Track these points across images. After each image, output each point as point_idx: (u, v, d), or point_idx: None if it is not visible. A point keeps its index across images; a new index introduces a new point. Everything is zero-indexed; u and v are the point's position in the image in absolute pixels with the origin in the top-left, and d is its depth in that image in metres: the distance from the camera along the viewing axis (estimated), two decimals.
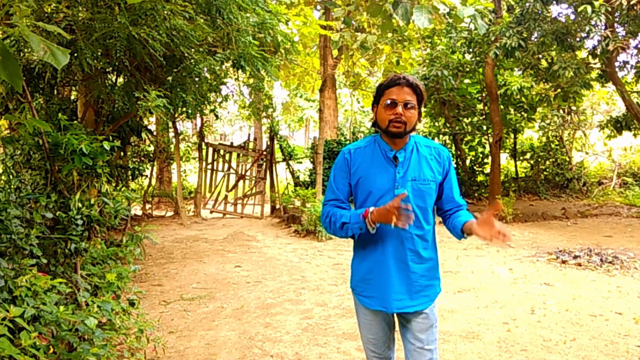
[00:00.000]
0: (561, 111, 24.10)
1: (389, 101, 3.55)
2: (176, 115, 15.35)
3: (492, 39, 16.81)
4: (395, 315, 3.82)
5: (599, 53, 15.64)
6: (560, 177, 24.47)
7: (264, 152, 19.63)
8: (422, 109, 3.71)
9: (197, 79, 8.60)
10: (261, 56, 8.71)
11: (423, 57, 20.88)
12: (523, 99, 20.77)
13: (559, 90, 19.18)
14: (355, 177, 3.72)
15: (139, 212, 18.41)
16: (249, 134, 23.43)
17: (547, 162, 25.04)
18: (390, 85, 3.60)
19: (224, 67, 9.28)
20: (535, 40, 16.16)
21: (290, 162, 20.56)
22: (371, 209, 3.49)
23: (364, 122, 36.26)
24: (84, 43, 6.21)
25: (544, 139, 25.43)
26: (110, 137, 5.84)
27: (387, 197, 3.55)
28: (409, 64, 23.90)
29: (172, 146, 19.34)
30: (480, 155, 24.52)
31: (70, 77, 8.14)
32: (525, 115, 22.44)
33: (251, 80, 11.91)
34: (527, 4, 15.50)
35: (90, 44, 6.29)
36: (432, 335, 3.72)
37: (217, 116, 17.95)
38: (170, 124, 17.92)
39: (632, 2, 14.13)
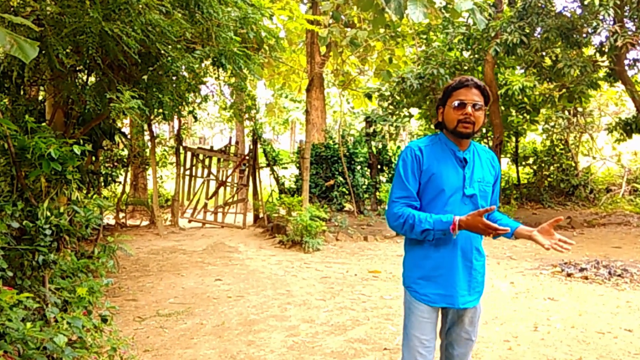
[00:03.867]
0: (566, 113, 24.20)
1: (457, 102, 3.92)
2: (152, 117, 15.33)
3: (492, 35, 16.91)
4: (441, 312, 4.23)
5: (606, 50, 15.71)
6: (565, 184, 24.54)
7: (247, 157, 19.62)
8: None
9: (174, 78, 8.61)
10: (243, 53, 8.74)
11: (418, 54, 20.93)
12: (525, 99, 20.86)
13: (564, 90, 19.27)
14: (426, 174, 4.01)
15: (112, 222, 18.34)
16: (230, 138, 23.43)
17: (552, 168, 25.13)
18: (458, 86, 3.97)
19: (203, 65, 9.30)
20: (539, 36, 16.24)
21: (275, 168, 20.52)
22: (457, 219, 3.79)
23: (354, 124, 36.28)
24: (53, 39, 6.22)
25: (547, 143, 25.52)
26: (81, 141, 5.86)
27: (457, 196, 3.95)
28: (402, 62, 23.94)
29: (147, 150, 19.29)
30: None
31: (38, 76, 8.16)
32: (528, 117, 22.53)
33: (233, 80, 11.90)
34: None
35: (59, 40, 6.31)
36: (478, 326, 4.27)
37: (195, 118, 17.93)
38: (146, 127, 17.87)
39: None
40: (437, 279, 3.98)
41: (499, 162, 4.34)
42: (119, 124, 14.96)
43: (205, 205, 19.68)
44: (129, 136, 18.30)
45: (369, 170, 21.73)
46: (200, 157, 20.04)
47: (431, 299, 4.00)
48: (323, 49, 22.13)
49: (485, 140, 22.74)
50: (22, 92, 8.57)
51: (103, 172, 15.63)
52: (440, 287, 3.98)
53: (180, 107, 10.08)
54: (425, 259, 4.03)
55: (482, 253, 4.15)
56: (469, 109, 3.85)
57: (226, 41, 8.23)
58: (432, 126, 23.41)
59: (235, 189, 20.17)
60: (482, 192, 4.02)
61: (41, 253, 5.14)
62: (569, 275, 10.91)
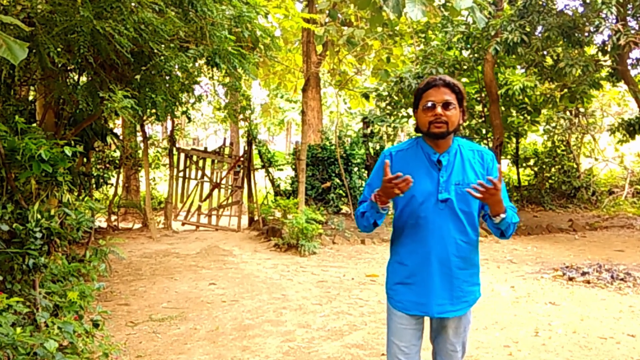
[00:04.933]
0: (568, 113, 24.18)
1: (428, 104, 3.87)
2: (145, 118, 15.30)
3: (492, 33, 16.89)
4: (425, 320, 4.16)
5: (609, 49, 15.71)
6: (567, 186, 24.55)
7: (241, 158, 19.58)
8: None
9: (167, 78, 8.61)
10: (238, 52, 8.73)
11: (416, 53, 20.93)
12: (526, 99, 20.86)
13: (565, 90, 19.29)
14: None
15: (104, 224, 18.32)
16: (225, 139, 23.40)
17: (553, 169, 25.13)
18: (427, 87, 3.93)
19: (197, 64, 9.30)
20: (540, 35, 16.26)
21: (270, 169, 20.48)
22: (375, 190, 3.83)
23: (351, 124, 36.26)
24: (44, 38, 6.22)
25: (549, 144, 25.52)
26: (72, 142, 5.84)
27: (430, 202, 3.86)
28: (400, 61, 23.95)
29: (140, 152, 19.29)
30: None
31: (28, 76, 8.14)
32: (529, 117, 22.51)
33: (227, 79, 11.92)
34: None
35: (50, 39, 6.31)
36: (465, 337, 4.18)
37: (189, 119, 17.94)
38: (138, 127, 17.86)
39: None
40: (411, 286, 3.98)
41: (494, 157, 4.15)
42: (111, 125, 14.95)
43: (199, 207, 19.64)
44: (121, 137, 18.29)
45: (366, 171, 21.69)
46: (194, 158, 19.99)
47: (405, 306, 4.01)
48: (319, 48, 22.12)
49: (485, 142, 22.73)
50: (12, 92, 8.56)
51: (95, 174, 15.62)
52: (415, 294, 3.97)
53: (173, 107, 10.06)
54: (401, 265, 4.05)
55: (469, 261, 4.00)
56: (439, 110, 3.82)
57: (220, 40, 8.23)
58: None
59: (229, 191, 20.16)
60: (461, 195, 3.88)
61: (31, 256, 5.14)
62: (570, 279, 10.91)
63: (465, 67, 19.60)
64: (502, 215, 3.76)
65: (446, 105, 3.83)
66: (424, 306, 3.93)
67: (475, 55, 19.05)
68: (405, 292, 4.00)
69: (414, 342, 4.06)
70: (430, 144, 3.97)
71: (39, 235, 5.18)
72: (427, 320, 4.18)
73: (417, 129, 4.06)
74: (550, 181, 25.03)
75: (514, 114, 22.69)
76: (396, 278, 4.08)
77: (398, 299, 4.04)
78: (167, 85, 8.65)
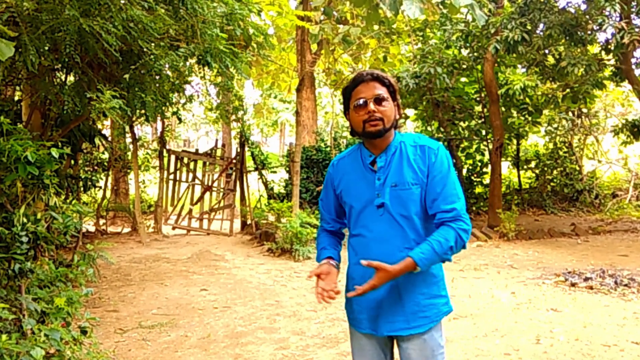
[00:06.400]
0: (570, 114, 24.16)
1: (360, 101, 3.59)
2: (134, 119, 15.27)
3: (492, 31, 16.88)
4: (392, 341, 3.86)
5: (612, 48, 15.73)
6: (569, 189, 24.51)
7: (234, 161, 19.59)
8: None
9: (157, 77, 8.62)
10: (230, 51, 8.74)
11: (414, 52, 20.88)
12: (527, 99, 20.80)
13: (567, 90, 19.27)
14: (338, 190, 3.82)
15: (92, 228, 18.31)
16: (217, 140, 23.40)
17: (555, 172, 25.07)
18: (355, 84, 3.66)
19: (188, 63, 9.30)
20: (541, 33, 16.24)
21: (263, 172, 20.48)
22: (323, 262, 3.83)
23: (347, 125, 36.24)
24: (29, 37, 6.22)
25: (550, 146, 25.46)
26: (59, 143, 5.84)
27: (369, 209, 3.64)
28: (397, 60, 23.92)
29: (129, 153, 19.27)
30: (479, 164, 24.41)
31: (13, 75, 8.14)
32: (530, 118, 22.45)
33: (219, 79, 11.93)
34: None
35: (36, 38, 6.31)
36: None
37: (180, 119, 17.91)
38: (127, 129, 17.85)
39: None
40: (359, 301, 3.69)
41: (440, 149, 3.62)
42: (99, 126, 14.95)
43: (190, 211, 19.64)
44: (109, 138, 18.29)
45: None
46: (185, 160, 20.01)
47: (359, 323, 3.75)
48: (314, 47, 22.13)
49: (484, 143, 22.70)
50: None
51: (82, 177, 15.58)
52: (363, 310, 3.71)
53: (163, 107, 10.07)
54: (350, 280, 3.81)
55: (419, 271, 3.48)
56: (371, 106, 3.53)
57: (212, 38, 8.23)
58: (429, 128, 23.44)
59: (221, 194, 20.14)
60: (397, 198, 3.57)
61: (17, 261, 5.13)
62: (573, 285, 10.90)
63: (464, 66, 19.56)
64: (417, 270, 3.44)
65: (378, 100, 3.56)
66: (373, 323, 3.67)
67: (475, 54, 19.02)
68: (355, 308, 3.78)
69: None
70: (368, 146, 3.74)
71: (25, 239, 5.17)
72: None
73: (352, 132, 3.80)
74: (552, 184, 24.97)
75: (515, 114, 22.63)
76: (347, 292, 3.83)
77: (352, 316, 3.82)
78: (157, 85, 8.66)
